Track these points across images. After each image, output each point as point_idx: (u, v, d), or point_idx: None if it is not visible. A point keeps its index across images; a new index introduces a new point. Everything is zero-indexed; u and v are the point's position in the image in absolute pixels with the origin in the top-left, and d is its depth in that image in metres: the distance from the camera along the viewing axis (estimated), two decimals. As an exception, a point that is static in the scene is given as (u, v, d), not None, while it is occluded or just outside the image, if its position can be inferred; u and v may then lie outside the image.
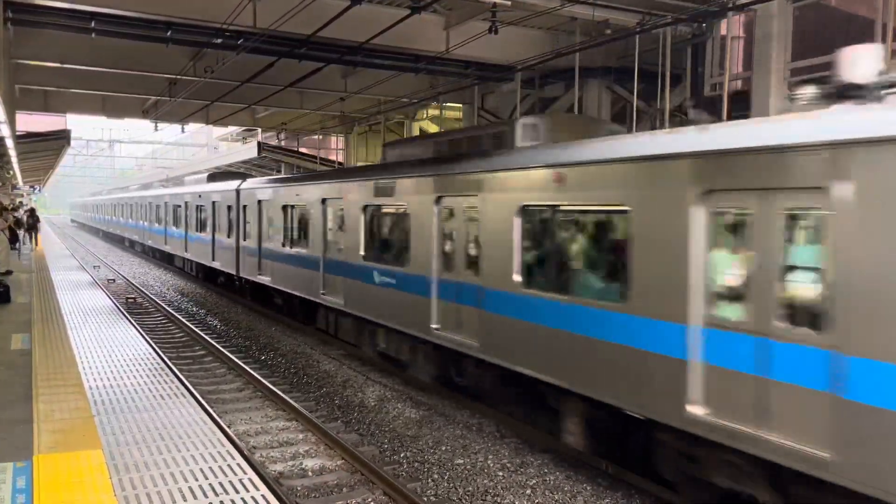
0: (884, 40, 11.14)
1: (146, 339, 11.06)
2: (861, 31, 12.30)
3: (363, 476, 8.38)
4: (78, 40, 16.23)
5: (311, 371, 13.58)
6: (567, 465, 8.72)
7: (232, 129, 39.43)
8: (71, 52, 17.06)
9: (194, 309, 21.38)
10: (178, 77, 18.35)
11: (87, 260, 37.09)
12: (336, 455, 9.10)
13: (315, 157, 31.62)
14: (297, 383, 12.80)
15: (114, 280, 28.41)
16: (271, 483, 7.67)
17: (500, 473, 8.49)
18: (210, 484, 5.23)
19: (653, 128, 15.61)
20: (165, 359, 13.20)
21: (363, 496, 7.84)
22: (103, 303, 14.98)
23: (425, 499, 7.69)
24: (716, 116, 13.72)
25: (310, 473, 8.54)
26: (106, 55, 17.29)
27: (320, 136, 33.79)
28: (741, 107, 13.04)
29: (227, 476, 5.39)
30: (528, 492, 7.96)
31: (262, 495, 5.06)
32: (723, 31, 14.62)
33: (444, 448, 9.35)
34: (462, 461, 8.89)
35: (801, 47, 12.92)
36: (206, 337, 16.30)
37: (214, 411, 10.41)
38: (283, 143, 32.49)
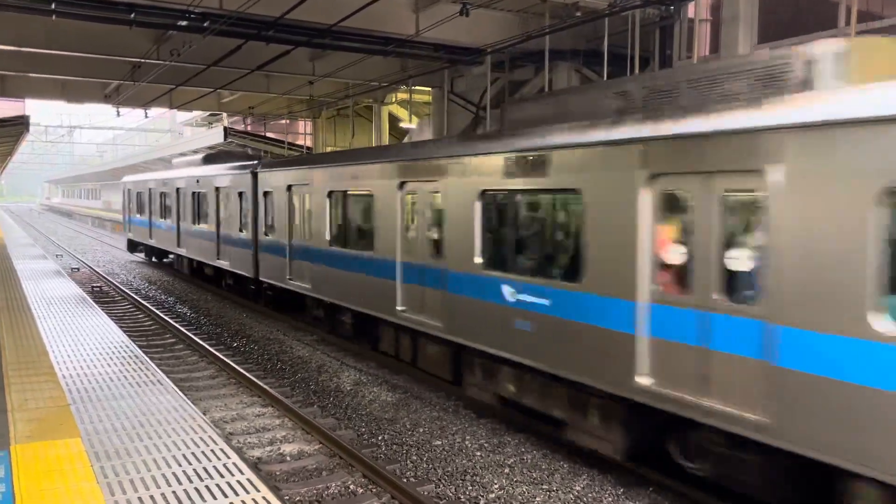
0: (847, 23, 11.37)
1: (116, 328, 10.89)
2: (826, 14, 12.52)
3: (342, 459, 8.41)
4: (36, 22, 15.78)
5: (285, 357, 13.53)
6: (543, 443, 8.85)
7: (196, 113, 38.78)
8: (29, 34, 16.55)
9: (162, 297, 21.10)
10: (142, 61, 17.96)
11: (49, 248, 36.32)
12: (314, 440, 9.11)
13: (283, 141, 31.29)
14: (271, 369, 12.75)
15: (78, 269, 27.88)
16: (252, 469, 7.65)
17: (479, 453, 8.59)
18: (194, 469, 5.20)
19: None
20: (137, 346, 13.02)
21: (342, 479, 7.87)
22: (69, 291, 14.71)
23: (405, 480, 7.75)
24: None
25: (288, 458, 8.53)
26: (66, 38, 16.84)
27: (287, 121, 33.41)
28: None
29: (210, 461, 5.38)
30: (507, 470, 8.07)
31: (248, 479, 5.06)
32: (690, 14, 14.78)
33: (421, 430, 9.42)
34: (440, 442, 8.96)
35: (768, 30, 13.12)
36: (175, 325, 16.12)
37: (189, 399, 10.31)
38: (249, 128, 32.05)
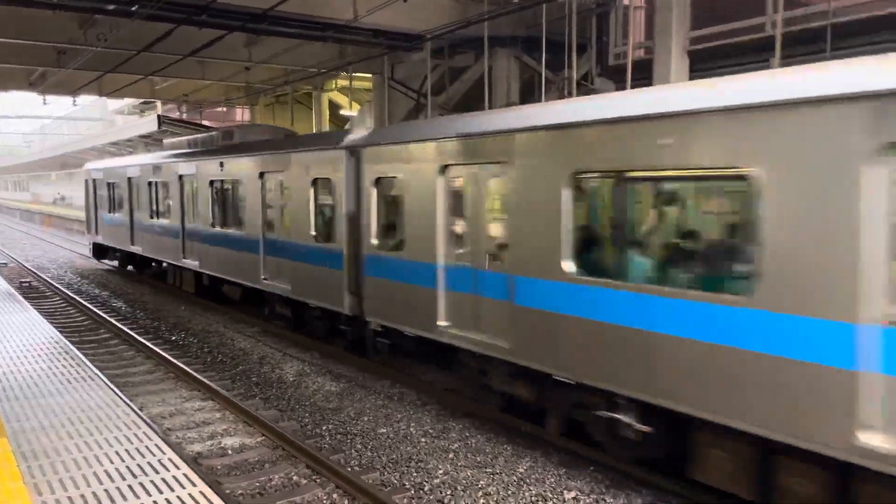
0: (775, 10, 11.70)
1: (47, 324, 10.49)
2: (755, 1, 12.86)
3: (285, 451, 8.30)
4: (-48, 5, 14.93)
5: (226, 350, 13.27)
6: (487, 427, 8.92)
7: (128, 101, 37.54)
8: (-56, 17, 15.69)
9: (96, 291, 20.41)
10: (67, 46, 17.24)
11: (-28, 244, 34.73)
12: (256, 432, 8.97)
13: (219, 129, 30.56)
14: (211, 362, 12.49)
15: (6, 264, 26.73)
16: (189, 463, 7.48)
17: (423, 440, 8.60)
18: (127, 466, 5.05)
19: (561, 97, 15.86)
20: (69, 342, 12.58)
21: (286, 471, 7.77)
22: (-5, 287, 14.10)
23: (349, 469, 7.71)
24: (621, 85, 14.11)
25: (230, 452, 8.38)
26: (-15, 22, 16.01)
27: (224, 108, 32.63)
28: (645, 75, 13.44)
29: (144, 457, 5.23)
30: (451, 456, 8.10)
31: (184, 474, 4.94)
32: (625, 1, 14.98)
33: (366, 419, 9.37)
34: (385, 430, 8.94)
35: (701, 16, 13.39)
36: (110, 319, 15.62)
37: (125, 395, 10.03)
38: (185, 116, 31.18)
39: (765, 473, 5.90)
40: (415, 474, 7.62)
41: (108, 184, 23.21)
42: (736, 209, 6.42)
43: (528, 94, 18.18)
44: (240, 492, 7.26)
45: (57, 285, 20.79)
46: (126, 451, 5.35)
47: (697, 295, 6.10)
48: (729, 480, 6.19)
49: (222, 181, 15.80)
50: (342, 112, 26.31)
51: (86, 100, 35.49)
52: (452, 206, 9.16)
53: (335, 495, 7.20)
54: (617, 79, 15.00)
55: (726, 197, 6.73)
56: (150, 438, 5.60)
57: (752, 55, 12.11)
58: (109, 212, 23.17)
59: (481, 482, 7.39)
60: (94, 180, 24.83)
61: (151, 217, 19.75)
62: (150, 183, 19.71)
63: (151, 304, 18.06)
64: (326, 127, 26.12)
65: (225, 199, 15.89)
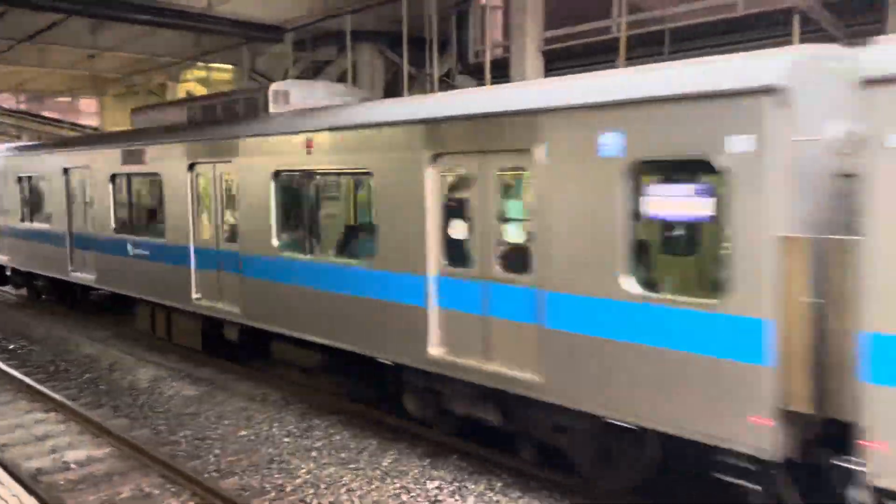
0: (620, 13, 12.38)
1: None
2: (603, 5, 13.54)
3: (137, 461, 7.87)
4: None
5: (71, 357, 12.39)
6: (354, 423, 8.86)
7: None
8: None
9: (-81, 299, 18.42)
10: None
11: None
12: (104, 443, 8.45)
13: (63, 121, 28.39)
14: (54, 371, 11.62)
15: None
16: (24, 480, 6.91)
17: (286, 440, 8.43)
18: (-55, 489, 4.59)
19: (424, 93, 16.01)
20: None
21: (136, 482, 7.38)
22: None
23: (206, 475, 7.41)
24: (481, 83, 14.44)
25: (73, 466, 7.84)
26: None
27: (70, 99, 30.37)
28: (504, 73, 13.82)
29: (-34, 478, 4.77)
30: (315, 454, 7.99)
31: (14, 494, 4.55)
32: (482, 1, 15.32)
33: (226, 422, 9.06)
34: (246, 433, 8.68)
35: (553, 18, 13.93)
36: (-65, 329, 14.16)
37: (-49, 411, 9.14)
38: (24, 106, 28.72)
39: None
40: (276, 476, 7.45)
41: (22, 178, 16.53)
42: None
43: (394, 89, 18.21)
44: (84, 508, 6.80)
45: None
46: (-55, 472, 4.86)
47: None
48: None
49: (308, 172, 9.02)
50: (200, 104, 25.21)
51: None
52: None
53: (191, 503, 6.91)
54: (478, 76, 15.33)
55: None
56: (-27, 457, 5.12)
57: (601, 55, 12.75)
58: (23, 220, 16.55)
59: (345, 478, 7.34)
60: None
61: (118, 231, 12.94)
62: (114, 177, 12.97)
63: (-14, 311, 16.55)
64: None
65: (316, 202, 9.20)
